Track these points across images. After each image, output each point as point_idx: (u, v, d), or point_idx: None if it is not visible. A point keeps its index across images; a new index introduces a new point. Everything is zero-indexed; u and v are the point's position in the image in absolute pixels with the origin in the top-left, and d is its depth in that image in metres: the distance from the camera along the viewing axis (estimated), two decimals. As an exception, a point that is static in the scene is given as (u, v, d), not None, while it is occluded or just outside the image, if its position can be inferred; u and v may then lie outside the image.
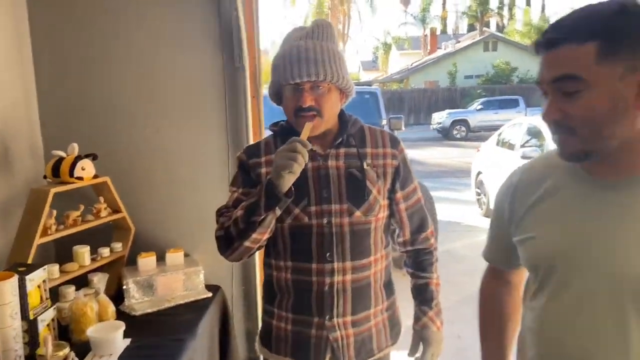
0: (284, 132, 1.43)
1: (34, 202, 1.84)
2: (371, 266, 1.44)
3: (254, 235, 1.30)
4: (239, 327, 2.39)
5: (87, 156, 1.97)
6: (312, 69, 1.29)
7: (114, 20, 2.15)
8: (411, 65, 28.47)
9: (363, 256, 1.42)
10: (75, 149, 1.96)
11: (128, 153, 2.24)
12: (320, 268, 1.40)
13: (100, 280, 1.90)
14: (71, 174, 1.90)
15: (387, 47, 33.70)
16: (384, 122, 5.52)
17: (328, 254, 1.39)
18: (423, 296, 1.51)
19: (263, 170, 1.44)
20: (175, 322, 1.90)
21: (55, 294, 1.95)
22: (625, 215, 0.88)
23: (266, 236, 1.34)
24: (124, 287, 2.05)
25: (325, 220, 1.39)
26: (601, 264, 0.89)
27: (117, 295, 2.11)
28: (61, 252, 2.15)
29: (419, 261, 1.52)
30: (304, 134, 1.25)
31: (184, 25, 2.17)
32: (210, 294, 2.13)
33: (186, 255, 2.26)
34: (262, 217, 1.27)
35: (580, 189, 0.95)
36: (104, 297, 1.90)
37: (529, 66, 23.73)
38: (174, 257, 2.19)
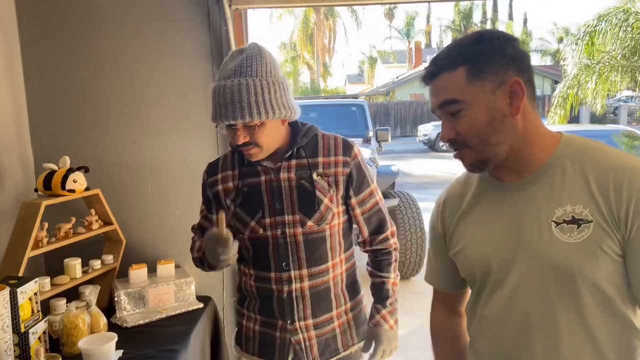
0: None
1: (25, 215, 1.84)
2: (329, 271, 1.50)
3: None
4: (230, 337, 2.39)
5: (79, 169, 1.98)
6: (238, 112, 1.32)
7: (104, 34, 2.18)
8: (397, 78, 28.73)
9: (319, 263, 1.48)
10: (67, 161, 1.97)
11: (119, 166, 2.25)
12: (278, 277, 1.47)
13: (91, 293, 1.89)
14: (63, 187, 1.91)
15: (372, 61, 34.04)
16: (371, 133, 5.58)
17: (284, 263, 1.46)
18: (379, 295, 1.56)
19: (219, 187, 1.53)
20: (167, 333, 1.91)
21: (46, 307, 1.94)
22: (533, 211, 0.98)
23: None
24: (115, 299, 2.05)
25: (279, 231, 1.45)
26: (525, 260, 0.98)
27: (108, 307, 2.11)
28: (52, 265, 2.15)
29: (377, 261, 1.58)
30: (221, 226, 1.35)
31: (176, 39, 2.20)
32: (201, 305, 2.14)
33: (177, 266, 2.27)
34: None
35: (494, 196, 1.06)
36: (95, 310, 1.90)
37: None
38: (165, 268, 2.20)
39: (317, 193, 1.43)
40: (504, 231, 1.01)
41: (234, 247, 1.38)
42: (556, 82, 13.35)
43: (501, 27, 34.79)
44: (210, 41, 2.19)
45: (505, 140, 0.98)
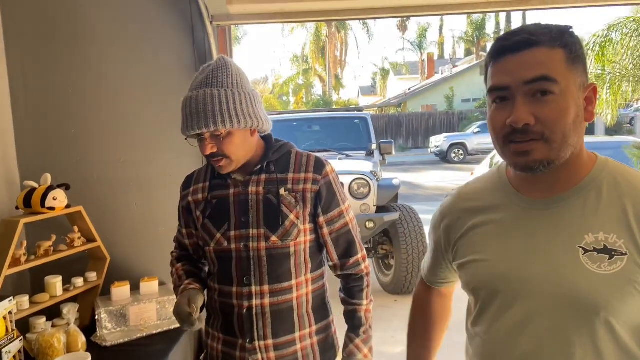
0: None
1: (4, 233, 1.84)
2: (292, 290, 1.46)
3: None
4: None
5: (59, 186, 1.98)
6: (203, 121, 1.32)
7: (90, 52, 2.19)
8: (409, 90, 28.74)
9: (282, 280, 1.44)
10: (48, 179, 1.97)
11: (103, 182, 2.25)
12: (240, 291, 1.45)
13: (70, 311, 1.88)
14: (42, 204, 1.91)
15: (384, 73, 34.10)
16: (374, 146, 5.55)
17: (245, 278, 1.44)
18: (352, 323, 1.51)
19: (190, 199, 1.55)
20: (145, 353, 1.88)
21: (26, 325, 1.93)
22: (559, 233, 0.89)
23: None
24: (96, 317, 2.04)
25: (242, 245, 1.43)
26: (540, 285, 0.89)
27: (91, 325, 2.10)
28: (36, 283, 2.14)
29: (348, 287, 1.53)
30: (193, 315, 1.39)
31: (161, 56, 2.21)
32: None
33: (162, 283, 2.25)
34: None
35: (515, 210, 0.96)
36: (74, 328, 1.89)
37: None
38: (149, 286, 2.18)
39: (283, 208, 1.42)
40: (521, 250, 0.92)
41: (199, 323, 1.41)
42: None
43: (515, 37, 34.70)
44: (195, 57, 2.19)
45: (576, 145, 0.88)
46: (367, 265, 1.55)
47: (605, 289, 0.84)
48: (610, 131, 16.51)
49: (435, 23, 35.73)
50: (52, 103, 2.21)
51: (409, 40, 34.09)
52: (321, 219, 1.48)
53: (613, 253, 0.84)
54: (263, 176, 1.45)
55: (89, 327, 2.11)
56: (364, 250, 1.56)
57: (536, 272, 0.90)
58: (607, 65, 8.63)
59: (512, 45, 0.87)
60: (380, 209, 4.79)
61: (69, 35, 2.18)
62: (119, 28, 2.18)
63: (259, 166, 1.45)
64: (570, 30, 0.89)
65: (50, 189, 1.94)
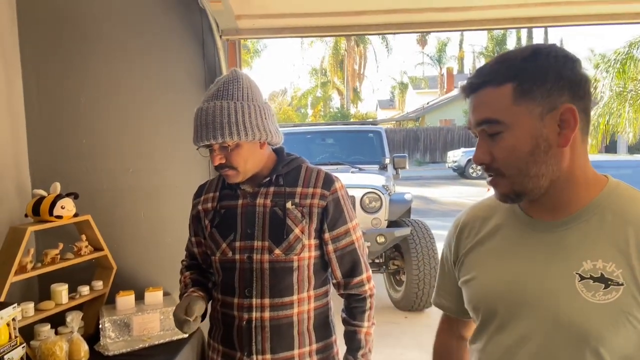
0: None
1: (12, 240, 1.87)
2: (294, 305, 1.44)
3: None
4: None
5: (68, 195, 2.01)
6: (211, 133, 1.34)
7: (103, 64, 2.23)
8: (427, 104, 28.65)
9: (284, 294, 1.43)
10: (57, 188, 2.01)
11: (111, 192, 2.28)
12: (241, 303, 1.44)
13: (73, 319, 1.90)
14: (51, 213, 1.94)
15: (403, 86, 34.08)
16: (387, 160, 5.53)
17: (247, 290, 1.43)
18: (350, 345, 1.49)
19: (200, 207, 1.57)
20: (146, 364, 1.88)
21: (31, 332, 1.96)
22: (557, 257, 0.88)
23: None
24: (100, 326, 2.05)
25: (246, 256, 1.43)
26: (536, 309, 0.88)
27: (96, 334, 2.11)
28: (44, 290, 2.16)
29: (350, 308, 1.51)
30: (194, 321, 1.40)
31: (171, 69, 2.24)
32: (186, 335, 2.11)
33: (166, 293, 2.26)
34: None
35: (519, 231, 0.95)
36: (77, 337, 1.90)
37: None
38: (153, 295, 2.19)
39: (288, 222, 1.42)
40: (519, 272, 0.91)
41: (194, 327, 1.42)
42: (590, 110, 12.99)
43: (535, 53, 34.42)
44: (204, 70, 2.21)
45: (547, 174, 0.87)
46: (372, 286, 1.52)
47: (597, 319, 0.82)
48: (632, 149, 16.21)
49: (455, 38, 35.70)
50: (64, 113, 2.26)
51: (428, 55, 34.08)
52: (327, 235, 1.46)
53: (609, 282, 0.83)
54: (272, 189, 1.46)
55: (93, 335, 2.13)
56: (370, 271, 1.53)
57: (532, 295, 0.89)
58: (629, 82, 8.50)
59: (467, 87, 0.91)
60: (392, 224, 4.75)
61: (83, 46, 2.23)
62: (132, 41, 2.22)
63: (268, 178, 1.46)
64: (533, 54, 0.87)
65: (58, 197, 1.97)
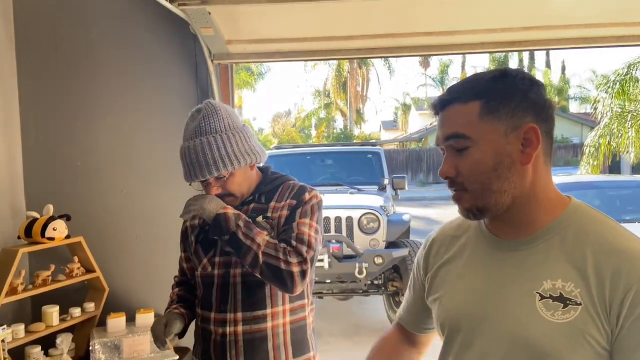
0: None
1: (4, 262, 1.89)
2: (267, 319, 1.45)
3: None
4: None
5: (60, 217, 2.04)
6: (205, 169, 1.39)
7: (98, 88, 2.28)
8: (430, 124, 28.76)
9: (256, 308, 1.44)
10: (50, 210, 2.03)
11: (104, 213, 2.30)
12: (217, 317, 1.47)
13: (63, 341, 1.91)
14: (42, 234, 1.96)
15: (406, 108, 34.27)
16: (386, 181, 5.54)
17: (222, 304, 1.46)
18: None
19: (188, 223, 1.61)
20: (135, 386, 1.88)
21: (22, 354, 1.96)
22: (519, 276, 0.89)
23: None
24: (90, 348, 2.05)
25: (223, 271, 1.46)
26: (497, 327, 0.89)
27: (86, 356, 2.11)
28: (37, 311, 2.17)
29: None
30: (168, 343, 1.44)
31: (165, 92, 2.29)
32: (176, 357, 2.10)
33: (157, 315, 2.25)
34: None
35: (484, 249, 0.97)
36: (67, 358, 1.91)
37: (549, 125, 23.73)
38: (144, 317, 2.19)
39: None
40: (483, 291, 0.93)
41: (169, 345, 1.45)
42: (593, 130, 13.02)
43: (538, 75, 34.55)
44: (197, 94, 2.26)
45: (509, 190, 0.89)
46: (296, 263, 1.37)
47: (556, 337, 0.83)
48: (636, 169, 16.16)
49: (457, 59, 35.91)
50: (59, 136, 2.29)
51: (430, 76, 34.35)
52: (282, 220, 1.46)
53: (567, 302, 0.83)
54: (252, 206, 1.50)
55: (84, 357, 2.13)
56: (311, 254, 1.40)
57: (493, 313, 0.90)
58: (630, 103, 8.53)
59: (437, 104, 0.94)
60: (391, 245, 4.74)
61: (78, 71, 2.28)
62: (126, 66, 2.27)
63: (250, 197, 1.51)
64: (501, 76, 0.90)
65: (51, 219, 1.99)
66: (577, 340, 0.82)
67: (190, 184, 1.48)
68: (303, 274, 1.37)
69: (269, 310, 1.46)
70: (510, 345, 0.87)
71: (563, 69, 38.00)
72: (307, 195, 1.49)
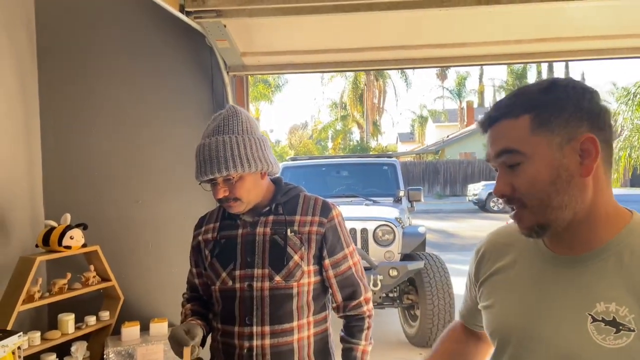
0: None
1: (21, 270, 1.93)
2: (294, 332, 1.45)
3: None
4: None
5: (77, 226, 2.07)
6: (215, 166, 1.38)
7: (116, 100, 2.33)
8: (447, 137, 28.65)
9: (283, 321, 1.44)
10: (67, 219, 2.07)
11: (120, 222, 2.33)
12: (242, 331, 1.45)
13: (78, 349, 1.93)
14: (60, 243, 2.00)
15: (423, 120, 34.20)
16: (402, 193, 5.51)
17: (247, 318, 1.44)
18: None
19: (200, 238, 1.58)
20: (147, 395, 1.89)
21: (37, 361, 1.99)
22: (572, 295, 0.87)
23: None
24: (105, 356, 2.07)
25: (246, 284, 1.45)
26: (545, 345, 0.87)
27: (101, 364, 2.13)
28: (53, 319, 2.21)
29: (349, 327, 1.53)
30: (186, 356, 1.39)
31: (181, 104, 2.33)
32: (189, 366, 2.11)
33: (171, 325, 2.27)
34: None
35: (538, 263, 0.94)
36: (81, 366, 1.93)
37: (568, 138, 23.39)
38: (158, 327, 2.21)
39: (288, 249, 1.44)
40: (534, 305, 0.91)
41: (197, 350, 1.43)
42: (612, 142, 12.80)
43: (557, 86, 34.21)
44: (213, 105, 2.29)
45: (570, 204, 0.85)
46: (371, 308, 1.55)
47: None
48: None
49: (475, 72, 35.80)
50: (78, 147, 2.35)
51: (447, 89, 34.25)
52: (326, 262, 1.49)
53: (620, 327, 0.81)
54: (271, 217, 1.49)
55: (98, 366, 2.15)
56: (369, 292, 1.56)
57: (544, 330, 0.88)
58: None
59: (485, 121, 0.91)
60: (406, 257, 4.69)
61: (97, 83, 2.34)
62: (144, 78, 2.32)
63: (267, 208, 1.50)
64: (550, 87, 0.88)
65: (68, 228, 2.03)
66: None
67: (200, 183, 1.48)
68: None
69: (295, 323, 1.46)
70: None
71: (583, 81, 37.55)
72: (334, 213, 1.51)
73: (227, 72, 2.16)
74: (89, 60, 2.33)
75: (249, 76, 2.32)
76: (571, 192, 0.84)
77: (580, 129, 0.84)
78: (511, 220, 0.93)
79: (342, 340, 1.53)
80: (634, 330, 0.79)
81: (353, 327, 1.52)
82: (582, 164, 0.84)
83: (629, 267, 0.83)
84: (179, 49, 2.27)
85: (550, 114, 0.85)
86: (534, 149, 0.85)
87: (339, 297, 1.52)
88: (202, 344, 1.55)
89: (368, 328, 1.52)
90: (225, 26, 1.89)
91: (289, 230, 1.46)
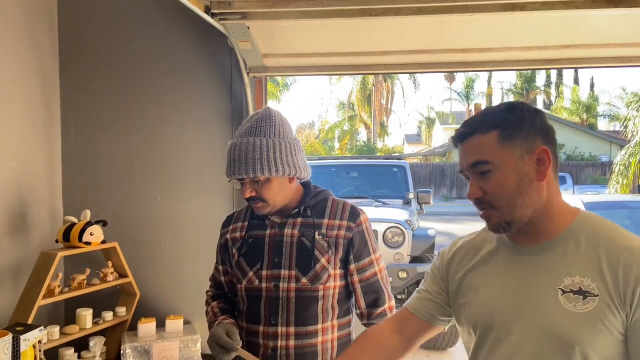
0: None
1: (42, 265, 1.95)
2: (318, 334, 1.46)
3: None
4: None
5: (97, 222, 2.09)
6: (243, 168, 1.41)
7: (136, 98, 2.35)
8: (454, 139, 28.51)
9: (308, 323, 1.46)
10: (87, 215, 2.09)
11: (139, 220, 2.36)
12: (266, 331, 1.47)
13: (96, 344, 1.95)
14: (80, 239, 2.02)
15: (430, 122, 34.12)
16: (411, 195, 5.52)
17: (273, 318, 1.46)
18: None
19: (228, 236, 1.60)
20: (164, 391, 1.91)
21: (55, 355, 2.01)
22: (542, 276, 1.03)
23: None
24: (121, 351, 2.09)
25: (272, 285, 1.46)
26: (527, 321, 1.02)
27: (117, 359, 2.15)
28: (70, 314, 2.23)
29: None
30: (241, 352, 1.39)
31: (200, 105, 2.34)
32: (206, 365, 2.13)
33: (187, 322, 2.29)
34: None
35: (508, 256, 1.11)
36: (98, 361, 1.95)
37: (577, 143, 23.29)
38: (174, 323, 2.23)
39: (315, 252, 1.46)
40: (511, 291, 1.06)
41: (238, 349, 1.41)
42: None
43: (566, 91, 34.05)
44: (232, 106, 2.30)
45: (531, 204, 1.03)
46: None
47: (578, 325, 0.97)
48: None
49: (483, 75, 35.61)
50: (97, 144, 2.37)
51: (455, 91, 34.17)
52: (352, 266, 1.50)
53: (586, 294, 0.98)
54: (299, 219, 1.51)
55: (114, 360, 2.17)
56: (393, 301, 1.56)
57: (523, 310, 1.03)
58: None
59: (458, 136, 1.09)
60: (415, 259, 4.71)
61: (117, 82, 2.36)
62: (164, 77, 2.34)
63: (296, 210, 1.51)
64: (510, 108, 1.06)
65: (88, 224, 2.05)
66: (597, 326, 0.96)
67: (229, 181, 1.50)
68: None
69: (319, 326, 1.47)
70: (539, 335, 1.00)
71: (592, 85, 37.35)
72: (362, 218, 1.53)
73: (248, 73, 2.17)
74: (110, 58, 2.35)
75: (268, 77, 2.33)
76: (531, 193, 1.03)
77: (536, 142, 1.03)
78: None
79: None
80: (597, 295, 0.97)
81: None
82: (538, 171, 1.03)
83: (586, 247, 1.02)
84: (199, 50, 2.28)
85: (513, 130, 1.03)
86: (502, 159, 1.03)
87: (363, 303, 1.53)
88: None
89: None
90: (248, 28, 1.90)
91: (316, 233, 1.47)
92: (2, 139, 1.99)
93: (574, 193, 14.03)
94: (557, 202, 1.06)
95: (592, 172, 21.54)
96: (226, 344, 1.37)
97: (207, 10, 1.81)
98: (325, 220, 1.50)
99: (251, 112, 2.26)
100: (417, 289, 1.28)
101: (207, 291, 1.76)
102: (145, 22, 2.34)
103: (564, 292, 0.99)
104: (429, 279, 1.25)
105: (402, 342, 1.22)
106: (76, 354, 2.01)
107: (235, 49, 2.09)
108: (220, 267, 1.67)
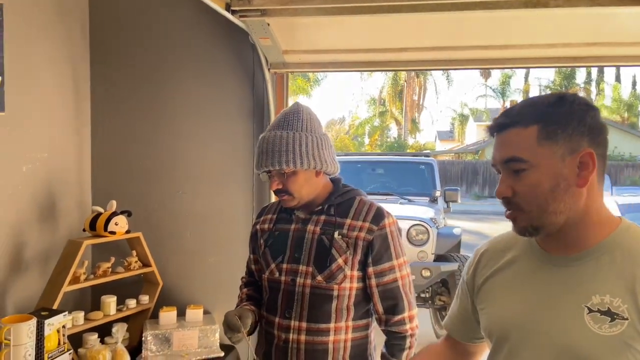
0: None
1: (69, 252, 2.03)
2: (330, 333, 1.47)
3: None
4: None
5: (122, 212, 2.16)
6: (269, 160, 1.45)
7: (162, 93, 2.41)
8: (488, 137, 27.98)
9: (321, 320, 1.47)
10: (113, 205, 2.16)
11: (162, 211, 2.42)
12: (281, 323, 1.51)
13: (119, 330, 2.02)
14: (105, 228, 2.09)
15: (463, 118, 33.55)
16: (438, 193, 5.47)
17: (287, 311, 1.49)
18: None
19: (258, 227, 1.66)
20: (182, 379, 1.96)
21: (80, 340, 2.09)
22: (568, 290, 0.94)
23: None
24: (143, 338, 2.16)
25: (290, 279, 1.50)
26: (545, 336, 0.94)
27: (139, 346, 2.22)
28: (96, 300, 2.32)
29: (390, 344, 1.52)
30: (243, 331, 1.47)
31: (223, 101, 2.39)
32: (222, 354, 2.18)
33: (206, 312, 2.35)
34: None
35: (534, 263, 1.02)
36: (121, 347, 2.02)
37: (617, 143, 22.45)
38: (194, 313, 2.28)
39: (333, 251, 1.47)
40: (532, 301, 0.98)
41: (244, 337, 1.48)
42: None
43: (607, 89, 32.93)
44: (253, 101, 2.34)
45: (565, 211, 0.93)
46: (414, 326, 1.52)
47: (602, 349, 0.88)
48: None
49: (520, 71, 34.83)
50: (125, 137, 2.44)
51: (490, 87, 33.47)
52: (370, 270, 1.49)
53: (615, 316, 0.88)
54: (322, 217, 1.52)
55: (136, 347, 2.24)
56: (414, 310, 1.53)
57: (542, 324, 0.95)
58: None
59: (495, 126, 0.99)
60: (440, 258, 4.67)
61: (144, 77, 2.42)
62: (188, 73, 2.39)
63: (320, 207, 1.53)
64: (558, 101, 0.94)
65: (114, 214, 2.12)
66: (622, 352, 0.87)
67: (259, 174, 1.54)
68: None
69: (332, 325, 1.48)
70: (557, 355, 0.92)
71: (634, 84, 35.96)
72: (387, 222, 1.50)
73: (269, 70, 2.20)
74: (137, 56, 2.42)
75: (289, 73, 2.35)
76: (567, 200, 0.93)
77: (582, 143, 0.92)
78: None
79: (383, 357, 1.54)
80: (627, 319, 0.87)
81: (394, 346, 1.51)
82: (579, 176, 0.92)
83: (621, 264, 0.91)
84: (222, 46, 2.32)
85: (557, 127, 0.92)
86: (539, 159, 0.92)
87: (380, 309, 1.52)
88: (256, 327, 1.59)
89: (410, 347, 1.51)
90: (269, 24, 1.93)
91: (336, 233, 1.48)
92: (36, 132, 2.08)
93: (611, 195, 13.56)
94: (597, 211, 0.96)
95: (632, 173, 20.77)
96: (233, 325, 1.44)
97: (228, 7, 1.84)
98: (348, 221, 1.50)
99: (272, 108, 2.30)
100: (452, 304, 1.25)
101: (242, 277, 1.81)
102: (170, 20, 2.39)
103: (590, 310, 0.90)
104: (461, 295, 1.19)
105: (463, 357, 1.22)
106: (99, 339, 2.08)
107: (257, 45, 2.12)
108: (252, 256, 1.73)
